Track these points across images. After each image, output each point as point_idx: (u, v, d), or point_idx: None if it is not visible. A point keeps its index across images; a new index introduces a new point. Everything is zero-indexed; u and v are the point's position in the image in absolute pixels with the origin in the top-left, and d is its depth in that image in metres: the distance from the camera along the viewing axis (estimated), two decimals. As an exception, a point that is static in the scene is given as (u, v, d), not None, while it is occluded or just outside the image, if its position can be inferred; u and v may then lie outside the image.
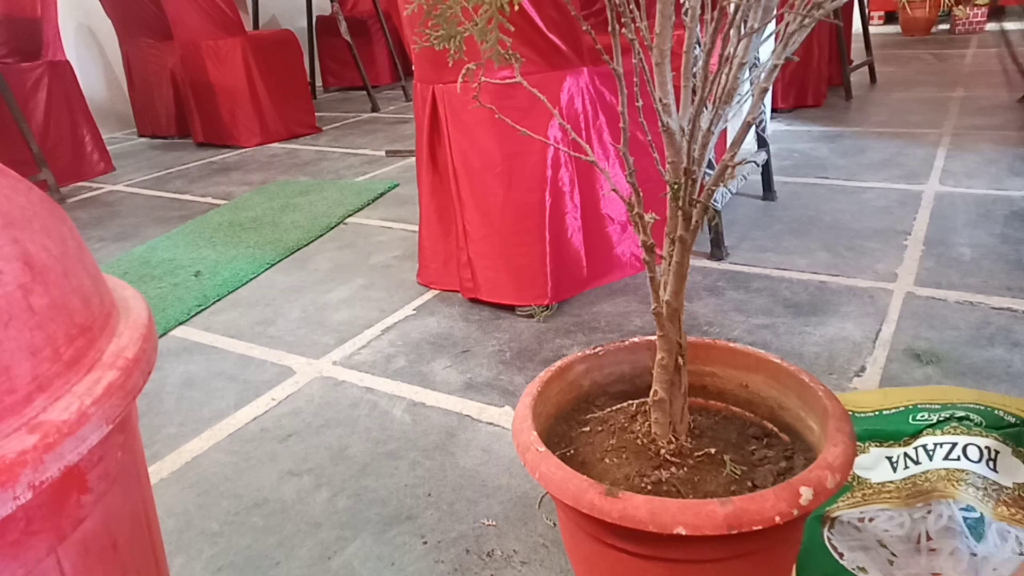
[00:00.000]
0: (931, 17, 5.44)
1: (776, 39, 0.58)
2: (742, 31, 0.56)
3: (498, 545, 0.94)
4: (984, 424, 0.83)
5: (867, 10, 3.93)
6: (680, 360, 0.70)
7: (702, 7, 0.58)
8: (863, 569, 0.77)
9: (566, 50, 1.48)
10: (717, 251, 1.75)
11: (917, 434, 0.86)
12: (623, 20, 0.59)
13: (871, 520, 0.81)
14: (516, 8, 0.60)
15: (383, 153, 3.20)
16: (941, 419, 0.85)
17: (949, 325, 1.36)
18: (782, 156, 2.53)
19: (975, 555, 0.75)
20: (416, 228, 1.81)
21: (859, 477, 0.87)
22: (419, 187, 1.74)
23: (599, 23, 1.57)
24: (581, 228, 1.58)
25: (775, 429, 0.76)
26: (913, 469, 0.84)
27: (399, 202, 2.46)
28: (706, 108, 0.59)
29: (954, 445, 0.82)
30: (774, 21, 0.57)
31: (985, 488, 0.80)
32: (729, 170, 0.61)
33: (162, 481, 1.13)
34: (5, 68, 2.77)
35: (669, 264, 0.66)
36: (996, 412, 0.83)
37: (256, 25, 4.65)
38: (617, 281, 1.67)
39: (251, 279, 1.90)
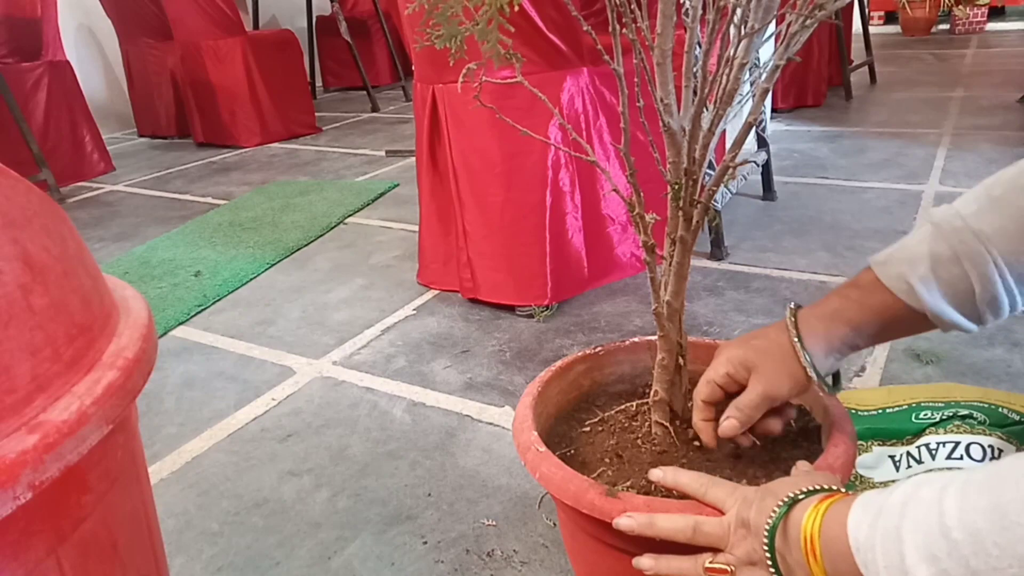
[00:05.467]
0: (931, 17, 5.44)
1: (777, 40, 0.58)
2: (742, 31, 0.56)
3: (498, 545, 0.94)
4: (988, 422, 0.83)
5: (867, 10, 3.93)
6: (681, 360, 0.70)
7: (703, 7, 0.58)
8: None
9: (566, 50, 1.48)
10: (717, 251, 1.75)
11: (920, 433, 0.85)
12: (623, 20, 0.58)
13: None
14: (516, 8, 0.60)
15: (383, 153, 3.20)
16: (944, 418, 0.85)
17: (949, 325, 1.36)
18: (782, 156, 2.53)
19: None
20: (416, 228, 1.81)
21: (862, 476, 0.86)
22: (419, 187, 1.74)
23: (599, 23, 1.57)
24: (581, 228, 1.58)
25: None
26: (916, 468, 0.84)
27: (399, 202, 2.46)
28: (707, 109, 0.59)
29: (957, 444, 0.82)
30: (775, 22, 0.57)
31: (987, 488, 0.79)
32: (730, 170, 0.61)
33: (162, 481, 1.13)
34: (5, 68, 2.77)
35: (670, 264, 0.66)
36: (1000, 410, 0.83)
37: (256, 25, 4.65)
38: (617, 281, 1.67)
39: (251, 279, 1.90)
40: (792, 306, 0.64)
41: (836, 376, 0.66)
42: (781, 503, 0.51)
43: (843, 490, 0.51)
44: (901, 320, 0.59)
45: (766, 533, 0.50)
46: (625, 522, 0.57)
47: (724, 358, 0.65)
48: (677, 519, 0.56)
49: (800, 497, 0.51)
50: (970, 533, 0.37)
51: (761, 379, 0.62)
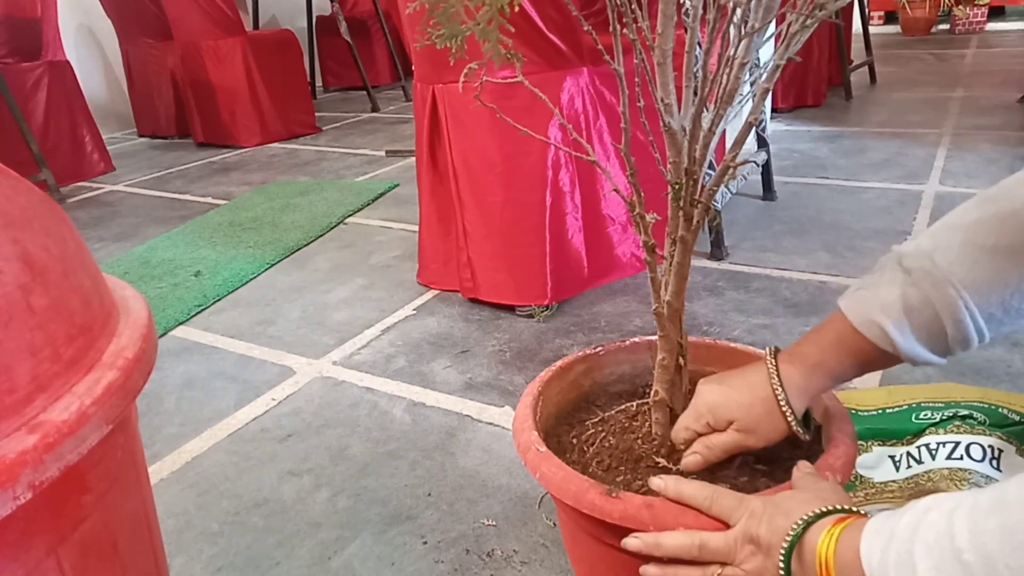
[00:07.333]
0: (931, 17, 5.44)
1: (778, 40, 0.58)
2: (743, 31, 0.56)
3: (498, 545, 0.94)
4: (988, 423, 0.83)
5: (867, 10, 3.93)
6: (681, 360, 0.70)
7: (704, 7, 0.58)
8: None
9: (566, 50, 1.48)
10: (717, 251, 1.75)
11: (920, 433, 0.85)
12: (624, 20, 0.58)
13: (873, 520, 0.81)
14: (517, 9, 0.60)
15: (383, 153, 3.20)
16: (944, 418, 0.85)
17: (950, 325, 1.36)
18: (782, 156, 2.53)
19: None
20: (416, 228, 1.81)
21: (862, 476, 0.86)
22: (419, 187, 1.74)
23: (599, 23, 1.57)
24: (581, 228, 1.58)
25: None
26: (916, 468, 0.84)
27: (399, 202, 2.46)
28: (707, 109, 0.59)
29: (957, 444, 0.82)
30: (775, 22, 0.57)
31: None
32: (731, 170, 0.60)
33: (162, 481, 1.13)
34: (5, 68, 2.77)
35: (670, 264, 0.66)
36: (1000, 410, 0.83)
37: (256, 25, 4.65)
38: (617, 281, 1.67)
39: (251, 279, 1.90)
40: (771, 354, 0.65)
41: (807, 417, 0.68)
42: (796, 525, 0.51)
43: (854, 510, 0.51)
44: (875, 361, 0.62)
45: (782, 555, 0.51)
46: (632, 543, 0.58)
47: (705, 407, 0.66)
48: (682, 537, 0.57)
49: (813, 519, 0.51)
50: (982, 555, 0.38)
51: (742, 432, 0.64)
